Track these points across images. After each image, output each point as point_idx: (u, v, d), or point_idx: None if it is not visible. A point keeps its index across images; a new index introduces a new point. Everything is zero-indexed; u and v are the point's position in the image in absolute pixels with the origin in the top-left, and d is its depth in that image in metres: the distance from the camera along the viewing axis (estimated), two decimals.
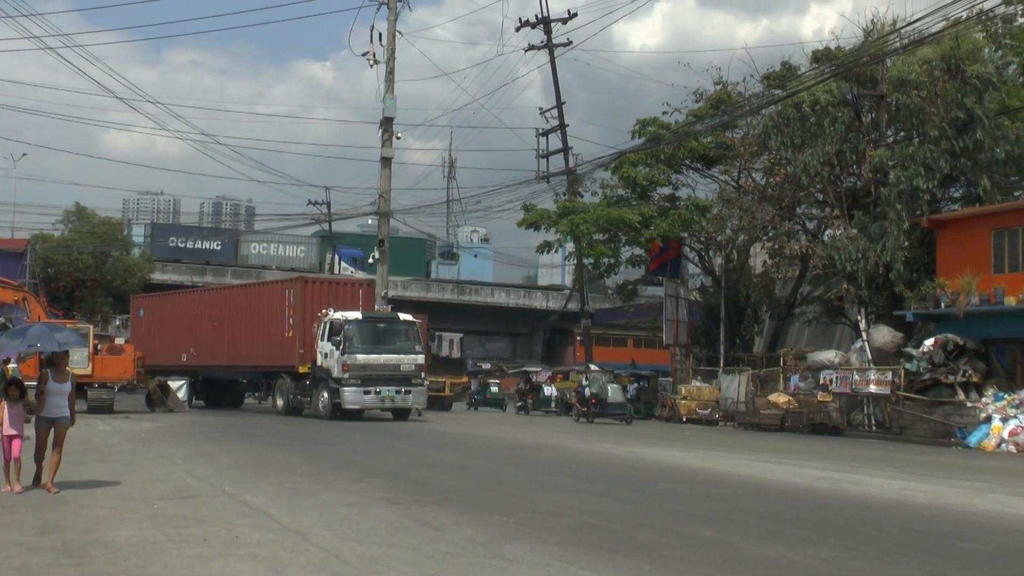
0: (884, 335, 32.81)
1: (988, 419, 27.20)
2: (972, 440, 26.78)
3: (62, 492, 12.96)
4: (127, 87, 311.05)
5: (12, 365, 26.22)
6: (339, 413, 32.03)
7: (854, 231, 34.25)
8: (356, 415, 32.44)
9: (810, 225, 42.05)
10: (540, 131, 49.60)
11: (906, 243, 32.94)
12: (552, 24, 49.16)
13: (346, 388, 31.92)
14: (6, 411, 13.63)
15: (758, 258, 47.82)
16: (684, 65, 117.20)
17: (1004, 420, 26.68)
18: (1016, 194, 34.41)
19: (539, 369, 57.64)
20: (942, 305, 30.77)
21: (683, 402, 39.41)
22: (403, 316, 34.33)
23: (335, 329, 32.48)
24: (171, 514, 11.44)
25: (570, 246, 46.97)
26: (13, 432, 13.43)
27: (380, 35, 42.85)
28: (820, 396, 32.90)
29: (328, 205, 72.10)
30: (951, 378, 29.54)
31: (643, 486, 15.28)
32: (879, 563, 9.29)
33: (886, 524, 11.73)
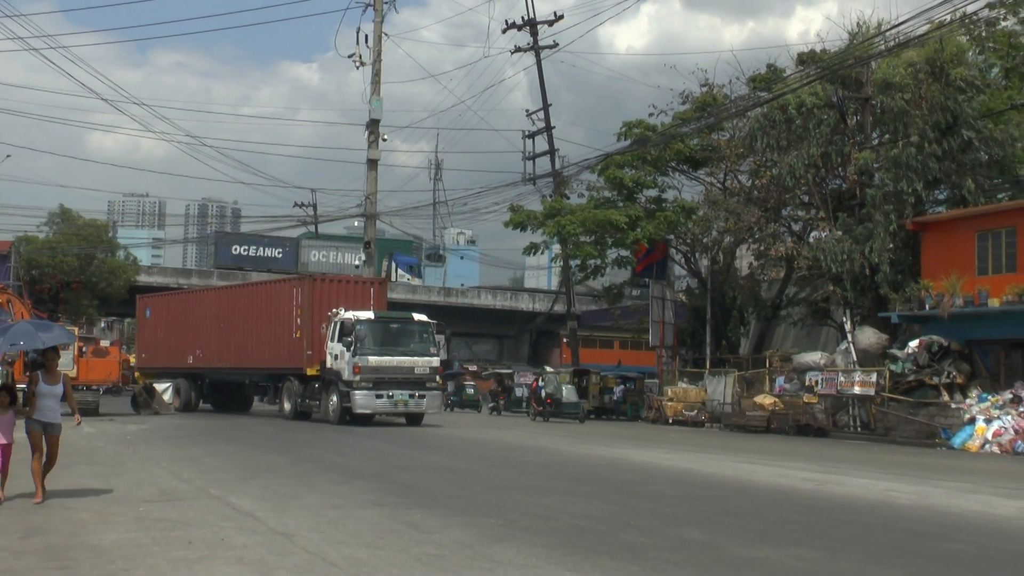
0: (869, 337, 32.92)
1: (972, 420, 27.31)
2: (956, 441, 26.89)
3: (46, 494, 12.68)
4: (112, 88, 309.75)
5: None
6: (349, 418, 30.73)
7: (839, 233, 34.35)
8: (367, 420, 31.27)
9: (796, 227, 42.18)
10: (526, 133, 49.72)
11: (891, 245, 33.06)
12: (538, 26, 49.31)
13: (357, 392, 30.40)
14: None
15: (744, 260, 47.92)
16: (670, 67, 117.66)
17: (988, 421, 26.79)
18: (1000, 196, 34.54)
19: (511, 371, 57.88)
20: (927, 307, 30.88)
21: (669, 404, 39.46)
22: (417, 316, 32.81)
23: (346, 330, 30.91)
24: (157, 517, 11.41)
25: (556, 248, 47.07)
26: (2, 440, 12.66)
27: (366, 37, 42.92)
28: (806, 397, 32.98)
29: (314, 207, 72.18)
30: (936, 379, 29.65)
31: (630, 488, 15.29)
32: (864, 564, 9.32)
33: (871, 525, 11.76)
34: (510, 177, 76.83)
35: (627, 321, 53.17)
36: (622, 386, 45.06)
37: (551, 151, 48.97)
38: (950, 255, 31.08)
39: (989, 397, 28.10)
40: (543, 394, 40.08)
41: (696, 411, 38.29)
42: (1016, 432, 25.95)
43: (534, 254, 48.15)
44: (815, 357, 34.82)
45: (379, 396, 30.47)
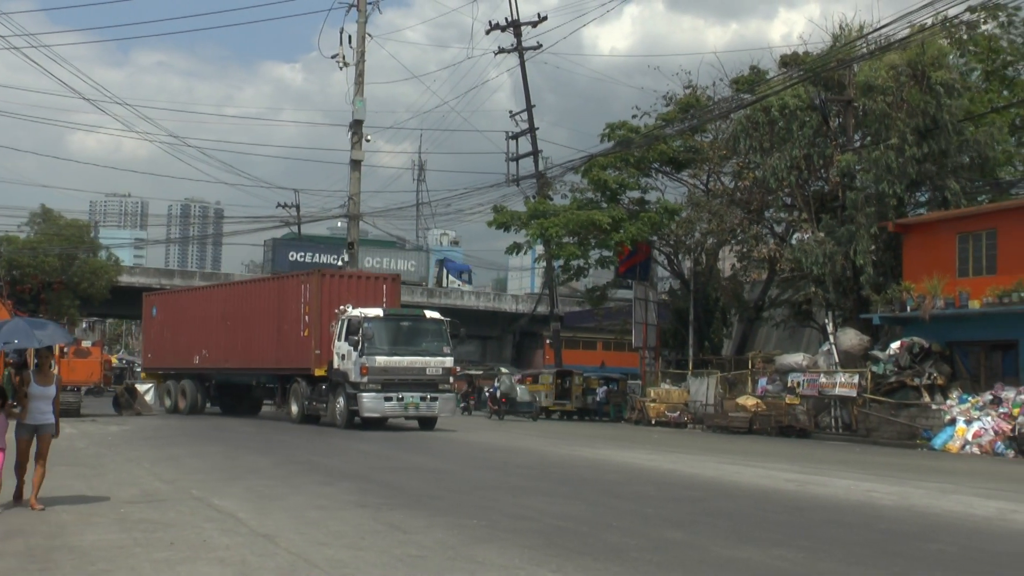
0: (851, 338, 33.02)
1: (953, 421, 27.41)
2: (937, 442, 26.99)
3: (7, 486, 12.24)
4: (94, 88, 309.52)
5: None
6: (359, 420, 29.31)
7: (821, 235, 34.46)
8: (379, 424, 29.91)
9: (778, 229, 42.34)
10: (510, 134, 49.73)
11: (873, 247, 33.20)
12: (522, 27, 49.36)
13: (364, 394, 28.52)
14: None
15: (727, 261, 48.05)
16: (654, 69, 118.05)
17: (968, 422, 26.89)
18: (980, 199, 34.72)
19: (479, 372, 58.12)
20: (908, 308, 30.99)
21: (652, 405, 39.52)
22: (430, 314, 31.11)
23: (352, 328, 29.17)
24: (138, 518, 11.38)
25: (540, 248, 47.12)
26: None
27: (350, 37, 42.83)
28: (788, 399, 33.07)
29: (297, 208, 72.03)
30: (917, 381, 29.76)
31: (612, 488, 15.32)
32: (846, 564, 9.36)
33: (853, 525, 11.81)
34: (494, 178, 77.02)
35: (610, 322, 53.27)
36: (605, 387, 45.15)
37: (535, 152, 49.03)
38: (931, 257, 31.21)
39: (969, 398, 28.20)
40: (498, 394, 42.27)
41: (679, 412, 38.36)
42: (996, 433, 26.06)
43: (517, 254, 48.21)
44: (797, 358, 34.93)
45: (388, 399, 28.66)
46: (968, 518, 12.67)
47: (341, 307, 30.56)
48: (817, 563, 9.39)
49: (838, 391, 31.81)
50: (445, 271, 77.88)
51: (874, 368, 31.00)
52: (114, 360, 56.34)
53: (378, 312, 29.66)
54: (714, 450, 24.88)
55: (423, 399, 29.09)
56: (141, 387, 41.41)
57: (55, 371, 13.30)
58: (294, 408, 32.85)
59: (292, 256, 73.26)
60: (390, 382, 28.72)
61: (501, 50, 50.13)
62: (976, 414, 27.15)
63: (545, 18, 49.01)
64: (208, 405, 39.47)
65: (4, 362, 33.58)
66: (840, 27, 36.75)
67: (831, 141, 36.44)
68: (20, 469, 12.40)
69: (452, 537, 10.33)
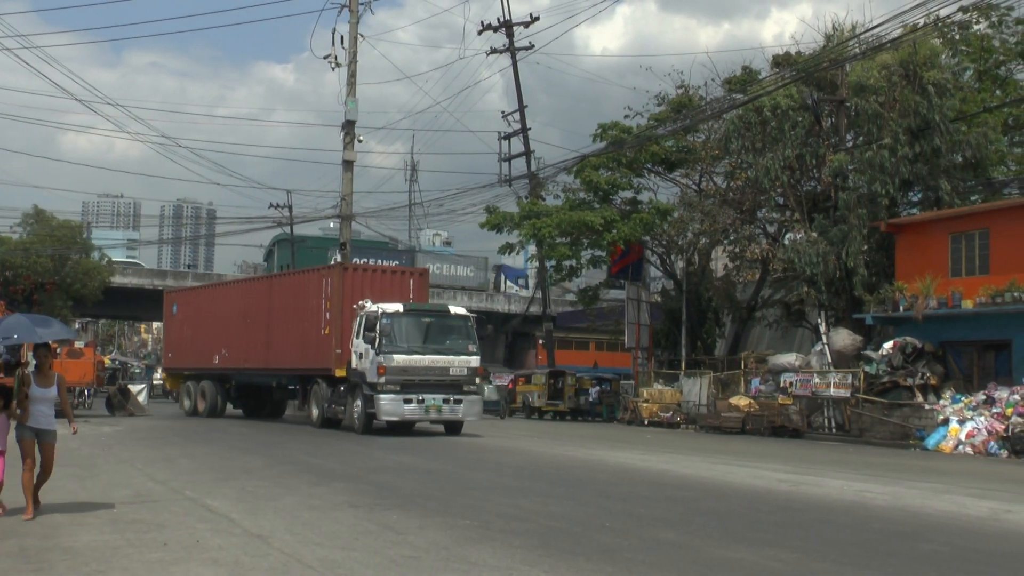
0: (844, 338, 33.06)
1: (946, 421, 27.45)
2: (930, 442, 27.03)
3: (16, 498, 11.76)
4: (86, 89, 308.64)
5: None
6: (386, 424, 27.43)
7: (814, 235, 34.50)
8: (407, 428, 28.07)
9: (771, 229, 42.38)
10: (502, 134, 49.73)
11: (865, 247, 33.25)
12: (514, 28, 49.34)
13: (382, 396, 26.48)
14: None
15: (719, 261, 48.14)
16: (646, 69, 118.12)
17: (961, 422, 26.94)
18: (973, 199, 34.79)
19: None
20: (901, 308, 31.04)
21: (645, 405, 39.54)
22: (454, 309, 29.18)
23: (369, 324, 27.23)
24: (132, 519, 11.36)
25: (532, 249, 47.15)
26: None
27: (342, 38, 42.70)
28: (781, 399, 33.11)
29: (290, 208, 71.87)
30: (910, 381, 29.82)
31: (605, 489, 15.31)
32: (839, 564, 9.36)
33: (846, 526, 11.83)
34: (486, 179, 77.01)
35: (603, 322, 53.32)
36: (598, 387, 45.22)
37: (527, 152, 49.03)
38: (924, 257, 31.27)
39: (962, 398, 28.26)
40: None
41: (671, 412, 38.39)
42: (989, 433, 26.10)
43: (510, 254, 48.22)
44: (790, 359, 34.98)
45: (407, 401, 26.55)
46: (961, 518, 12.69)
47: (360, 302, 28.59)
48: (810, 563, 9.39)
49: (831, 391, 31.86)
50: (503, 277, 78.11)
51: (867, 368, 31.05)
52: (107, 361, 56.17)
53: (398, 307, 27.61)
54: (707, 450, 24.89)
55: (446, 401, 27.02)
56: (134, 388, 41.33)
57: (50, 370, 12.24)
58: (314, 411, 31.06)
59: (355, 262, 72.73)
60: (410, 383, 26.69)
61: (493, 50, 50.13)
62: (969, 414, 27.19)
63: (537, 18, 49.00)
64: (229, 407, 38.20)
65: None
66: (832, 27, 36.82)
67: (823, 141, 36.49)
68: (27, 473, 11.59)
69: (445, 537, 10.33)
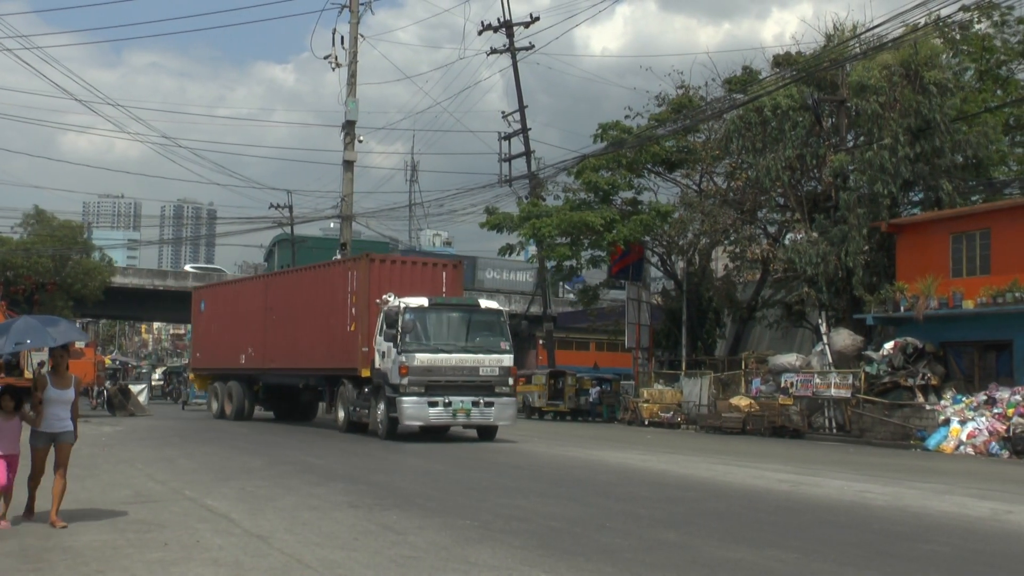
0: (844, 338, 33.05)
1: (947, 421, 27.43)
2: (931, 442, 27.01)
3: (20, 499, 11.39)
4: (86, 89, 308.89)
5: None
6: (418, 429, 25.53)
7: (815, 235, 34.49)
8: (439, 433, 26.25)
9: (771, 229, 42.37)
10: (502, 135, 49.73)
11: (866, 247, 33.23)
12: (514, 28, 49.33)
13: (405, 398, 24.35)
14: None
15: (720, 262, 48.13)
16: (646, 69, 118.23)
17: (962, 422, 26.92)
18: (974, 199, 34.77)
19: None
20: (901, 309, 31.03)
21: (645, 405, 39.53)
22: (485, 303, 27.00)
23: (390, 320, 25.21)
24: (132, 519, 11.36)
25: (532, 249, 47.14)
26: (9, 451, 11.12)
27: (342, 38, 42.80)
28: (781, 399, 33.09)
29: (290, 208, 71.86)
30: (910, 381, 29.79)
31: (605, 489, 15.30)
32: (839, 564, 9.35)
33: (846, 526, 11.82)
34: (486, 179, 77.05)
35: (603, 323, 53.30)
36: (598, 388, 45.18)
37: (527, 153, 49.03)
38: (925, 257, 31.25)
39: (963, 399, 28.24)
40: None
41: (672, 413, 38.37)
42: (990, 433, 26.08)
43: (510, 255, 48.19)
44: (791, 359, 34.95)
45: (433, 404, 24.40)
46: (962, 519, 12.67)
47: (383, 296, 26.40)
48: (810, 563, 9.38)
49: (832, 392, 31.84)
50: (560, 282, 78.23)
51: (868, 368, 31.03)
52: (107, 361, 56.24)
53: (422, 301, 25.41)
54: (707, 451, 24.87)
55: (475, 404, 24.78)
56: (134, 388, 41.37)
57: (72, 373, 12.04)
58: (340, 415, 28.94)
59: (489, 274, 72.39)
60: (435, 384, 24.53)
61: (493, 51, 50.13)
62: (970, 414, 27.17)
63: (537, 19, 49.00)
64: (258, 409, 36.63)
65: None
66: (833, 27, 36.81)
67: (824, 141, 36.46)
68: (33, 482, 11.35)
69: (445, 538, 10.32)
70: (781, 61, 39.14)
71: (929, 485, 16.72)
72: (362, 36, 43.42)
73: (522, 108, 49.59)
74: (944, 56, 35.27)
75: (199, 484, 14.86)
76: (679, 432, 35.75)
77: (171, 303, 67.00)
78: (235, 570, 8.68)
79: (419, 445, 23.66)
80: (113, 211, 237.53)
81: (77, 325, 17.22)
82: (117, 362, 73.49)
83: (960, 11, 34.50)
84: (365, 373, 26.87)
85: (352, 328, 28.10)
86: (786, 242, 39.55)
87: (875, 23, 54.42)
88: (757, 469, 19.24)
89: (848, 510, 13.28)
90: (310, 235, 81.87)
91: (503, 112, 50.55)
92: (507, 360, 25.41)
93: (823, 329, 34.63)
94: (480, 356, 25.03)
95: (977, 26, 38.50)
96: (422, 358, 24.41)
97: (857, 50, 33.73)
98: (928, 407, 28.84)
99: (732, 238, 41.29)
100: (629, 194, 45.18)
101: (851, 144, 36.16)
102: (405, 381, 24.35)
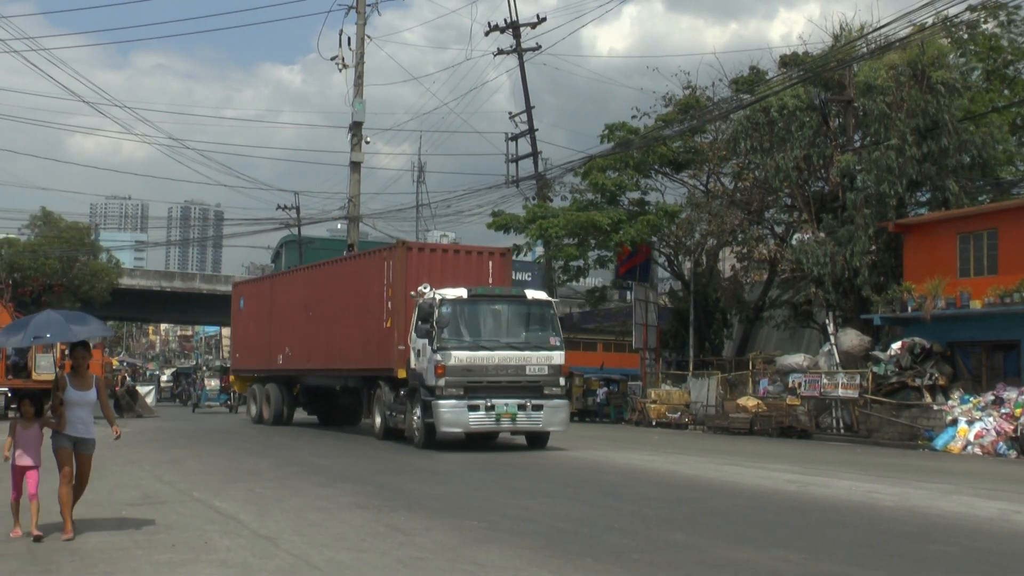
0: (852, 339, 32.99)
1: (954, 422, 27.36)
2: (939, 443, 26.95)
3: (75, 526, 10.57)
4: (93, 91, 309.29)
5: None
6: (462, 437, 23.54)
7: (822, 235, 34.44)
8: (487, 440, 23.94)
9: (778, 229, 42.31)
10: (509, 135, 49.65)
11: (873, 247, 33.18)
12: (521, 28, 49.22)
13: (442, 402, 21.77)
14: (17, 434, 10.61)
15: (727, 262, 48.02)
16: (652, 70, 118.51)
17: (970, 423, 26.85)
18: (981, 199, 34.69)
19: None
20: (909, 309, 30.96)
21: (653, 406, 39.47)
22: (532, 294, 24.02)
23: (424, 314, 22.46)
24: (139, 520, 11.39)
25: (540, 250, 47.11)
26: (28, 462, 10.53)
27: (349, 39, 42.83)
28: (789, 400, 33.03)
29: (297, 209, 71.93)
30: (918, 381, 29.72)
31: (613, 490, 15.31)
32: (847, 565, 9.35)
33: (854, 526, 11.81)
34: (493, 179, 76.96)
35: (610, 323, 53.24)
36: (605, 388, 45.13)
37: (534, 153, 48.95)
38: (932, 257, 31.19)
39: (971, 399, 28.17)
40: None
41: (679, 413, 38.32)
42: (998, 433, 26.02)
43: (517, 256, 48.14)
44: (798, 359, 34.88)
45: (473, 408, 21.76)
46: (970, 519, 12.66)
47: (418, 288, 23.58)
48: (818, 564, 9.38)
49: (839, 392, 31.78)
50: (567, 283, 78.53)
51: (875, 369, 30.97)
52: (115, 363, 56.27)
53: (460, 293, 22.75)
54: (715, 451, 24.86)
55: (522, 408, 22.08)
56: (142, 389, 41.43)
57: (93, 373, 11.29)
58: (377, 420, 26.21)
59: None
60: (476, 385, 21.90)
61: (500, 51, 50.04)
62: (978, 415, 27.12)
63: (544, 19, 48.89)
64: (301, 414, 34.81)
65: (5, 365, 33.55)
66: (840, 27, 36.75)
67: (831, 141, 36.41)
68: (64, 488, 10.50)
69: (452, 538, 10.33)
70: (788, 61, 39.09)
71: (937, 485, 16.69)
72: (369, 37, 43.41)
73: (529, 109, 49.52)
74: (951, 56, 35.19)
75: (207, 485, 14.89)
76: (686, 433, 35.71)
77: (178, 304, 67.15)
78: (243, 571, 8.70)
79: (455, 455, 21.41)
80: (120, 213, 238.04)
81: (105, 324, 16.60)
82: (124, 364, 73.63)
83: (967, 11, 34.39)
84: (402, 374, 24.33)
85: (388, 324, 25.65)
86: (793, 242, 39.50)
87: (882, 23, 54.21)
88: (765, 470, 19.22)
89: (856, 510, 13.27)
90: (317, 236, 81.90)
91: (510, 113, 50.48)
92: (557, 357, 22.78)
93: (830, 329, 34.56)
94: (527, 353, 22.37)
95: (984, 26, 38.41)
96: (460, 356, 21.84)
97: (864, 50, 33.66)
98: (936, 407, 28.77)
99: (739, 238, 41.24)
100: (636, 195, 45.11)
101: (858, 144, 36.08)
102: (441, 382, 21.78)
